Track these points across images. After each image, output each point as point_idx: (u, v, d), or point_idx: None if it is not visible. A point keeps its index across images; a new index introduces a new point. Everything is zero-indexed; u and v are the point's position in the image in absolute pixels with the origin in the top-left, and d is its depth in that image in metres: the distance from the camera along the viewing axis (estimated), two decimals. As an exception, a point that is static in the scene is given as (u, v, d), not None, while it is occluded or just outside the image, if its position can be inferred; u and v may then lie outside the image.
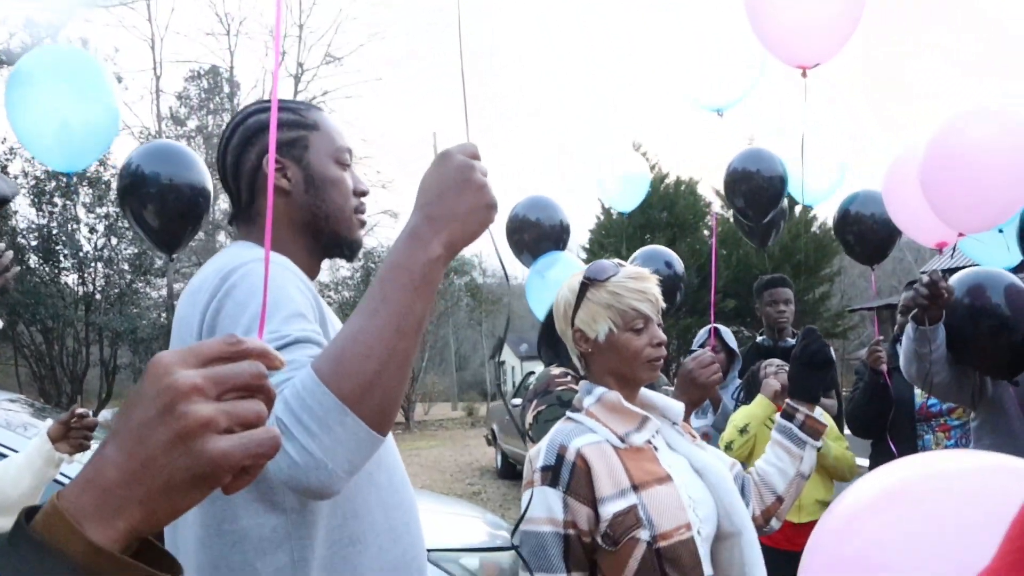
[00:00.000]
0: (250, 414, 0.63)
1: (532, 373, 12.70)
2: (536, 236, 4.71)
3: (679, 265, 4.58)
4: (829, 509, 0.86)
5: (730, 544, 1.73)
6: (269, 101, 1.57)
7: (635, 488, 1.64)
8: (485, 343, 39.50)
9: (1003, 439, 2.76)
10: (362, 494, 1.39)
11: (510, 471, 12.60)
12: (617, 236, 21.43)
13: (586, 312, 1.77)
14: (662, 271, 4.28)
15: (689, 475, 1.76)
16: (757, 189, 4.58)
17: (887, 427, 3.63)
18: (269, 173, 1.06)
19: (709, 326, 4.11)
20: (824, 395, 4.17)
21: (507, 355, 41.23)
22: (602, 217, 23.82)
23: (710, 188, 24.30)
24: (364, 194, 1.58)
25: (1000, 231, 3.05)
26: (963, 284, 2.63)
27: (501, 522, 4.32)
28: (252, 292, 1.28)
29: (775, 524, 1.93)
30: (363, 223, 1.59)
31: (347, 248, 1.55)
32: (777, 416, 2.00)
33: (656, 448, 1.77)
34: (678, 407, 1.86)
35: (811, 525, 3.67)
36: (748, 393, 3.83)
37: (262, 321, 0.87)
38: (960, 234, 2.51)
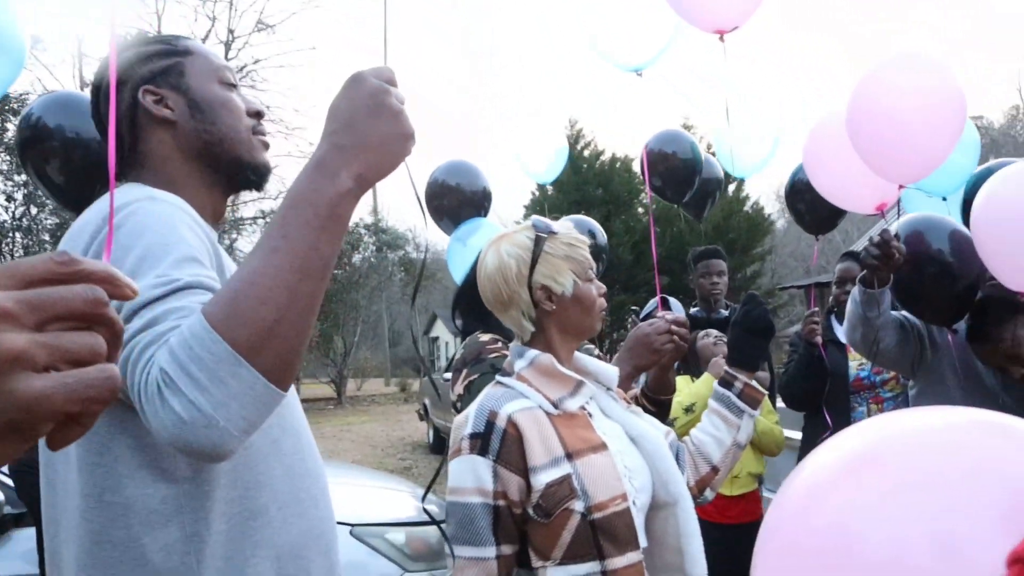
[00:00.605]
0: (81, 349, 0.50)
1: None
2: (457, 202, 4.57)
3: (602, 236, 4.52)
4: (788, 482, 0.78)
5: (665, 514, 1.67)
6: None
7: (569, 456, 1.55)
8: (419, 318, 39.31)
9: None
10: (265, 462, 1.25)
11: (441, 446, 12.53)
12: (552, 211, 21.41)
13: (548, 267, 1.65)
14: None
15: (624, 443, 1.69)
16: (673, 169, 4.57)
17: (822, 399, 3.62)
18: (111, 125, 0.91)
19: (657, 297, 4.07)
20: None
21: (440, 330, 41.04)
22: (537, 193, 23.77)
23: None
24: (259, 114, 1.44)
25: (944, 199, 3.05)
26: (906, 230, 2.59)
27: (430, 496, 4.21)
28: (138, 233, 1.13)
29: (709, 495, 1.87)
30: (266, 145, 1.43)
31: (252, 173, 1.40)
32: (714, 383, 1.93)
33: (590, 415, 1.68)
34: (612, 372, 1.78)
35: (744, 497, 3.66)
36: (683, 362, 3.81)
37: (108, 242, 0.73)
38: (900, 187, 2.45)
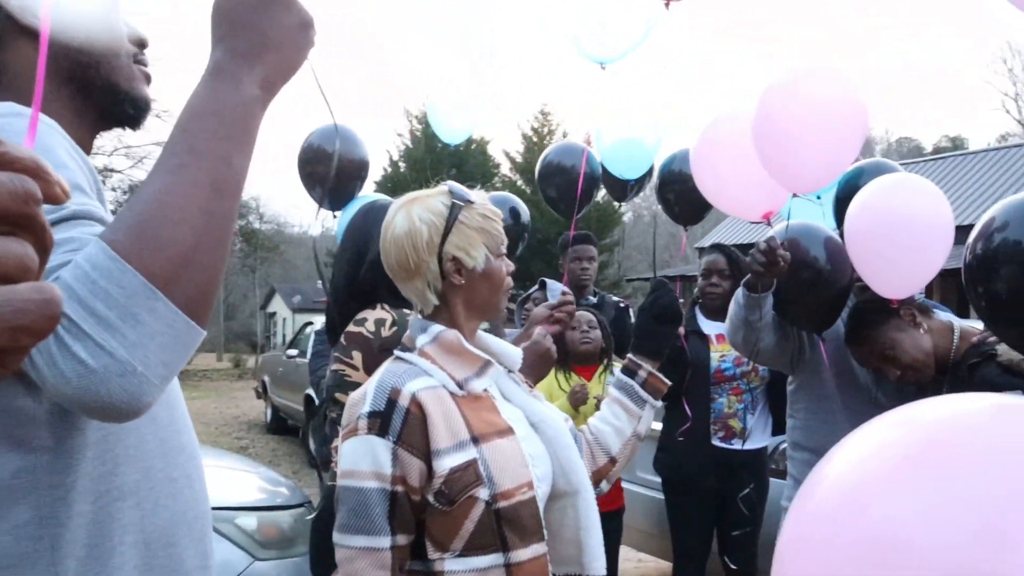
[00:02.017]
0: (6, 259, 0.38)
1: (310, 323, 12.21)
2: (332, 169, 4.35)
3: (525, 214, 4.45)
4: (814, 484, 0.74)
5: (563, 504, 1.62)
6: None
7: (475, 440, 1.48)
8: (259, 292, 37.95)
9: (818, 402, 2.85)
10: (138, 433, 1.09)
11: (280, 425, 12.14)
12: (401, 190, 21.08)
13: (461, 238, 1.56)
14: (506, 220, 4.14)
15: (526, 429, 1.62)
16: (570, 184, 4.53)
17: (682, 390, 3.72)
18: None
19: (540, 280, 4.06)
20: (622, 356, 4.23)
21: (278, 306, 39.84)
22: (389, 169, 23.45)
23: (500, 150, 24.59)
24: (143, 44, 1.26)
25: (818, 198, 3.16)
26: (783, 237, 2.63)
27: (280, 478, 4.02)
28: None
29: (605, 486, 1.83)
30: (148, 77, 1.25)
31: (130, 105, 1.21)
32: (617, 371, 1.89)
33: (494, 398, 1.61)
34: (516, 353, 1.71)
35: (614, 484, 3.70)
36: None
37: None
38: (794, 195, 2.52)
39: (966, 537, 0.59)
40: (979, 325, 2.54)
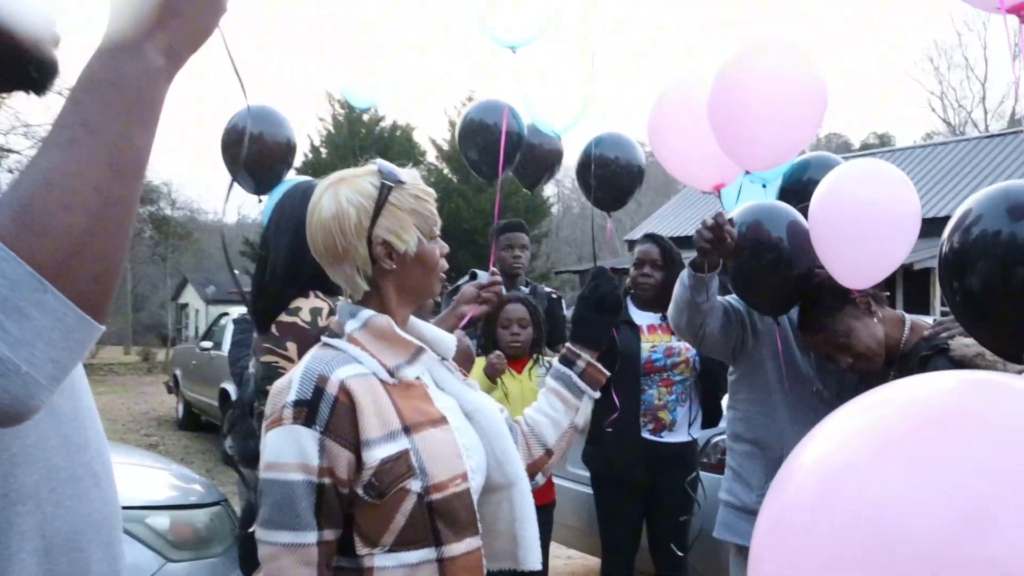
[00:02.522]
0: None
1: (225, 315, 11.92)
2: (257, 152, 4.25)
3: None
4: (793, 468, 0.75)
5: (499, 497, 1.61)
6: None
7: (407, 430, 1.46)
8: (169, 282, 36.94)
9: (759, 393, 2.90)
10: (38, 429, 1.04)
11: (193, 421, 11.86)
12: (323, 176, 20.76)
13: (392, 220, 1.52)
14: None
15: (460, 418, 1.61)
16: (492, 144, 4.42)
17: (612, 380, 3.74)
18: None
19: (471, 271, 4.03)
20: (552, 348, 4.25)
21: (191, 297, 38.87)
22: (310, 155, 23.08)
23: (426, 137, 24.45)
24: None
25: (764, 186, 3.21)
26: (746, 217, 2.67)
27: (193, 475, 3.92)
28: None
29: (541, 479, 1.83)
30: (56, 39, 1.12)
31: (35, 68, 1.09)
32: (555, 361, 1.89)
33: (427, 386, 1.59)
34: (449, 340, 1.69)
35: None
36: (485, 341, 3.87)
37: None
38: (746, 172, 2.54)
39: (953, 518, 0.60)
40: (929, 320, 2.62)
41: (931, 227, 3.08)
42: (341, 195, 1.53)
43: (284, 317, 2.09)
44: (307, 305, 2.09)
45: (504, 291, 2.20)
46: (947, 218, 1.99)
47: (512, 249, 4.39)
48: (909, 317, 2.68)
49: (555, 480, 4.19)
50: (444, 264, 1.63)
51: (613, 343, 3.74)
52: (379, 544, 1.43)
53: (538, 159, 4.62)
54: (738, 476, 2.94)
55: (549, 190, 33.50)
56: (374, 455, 1.42)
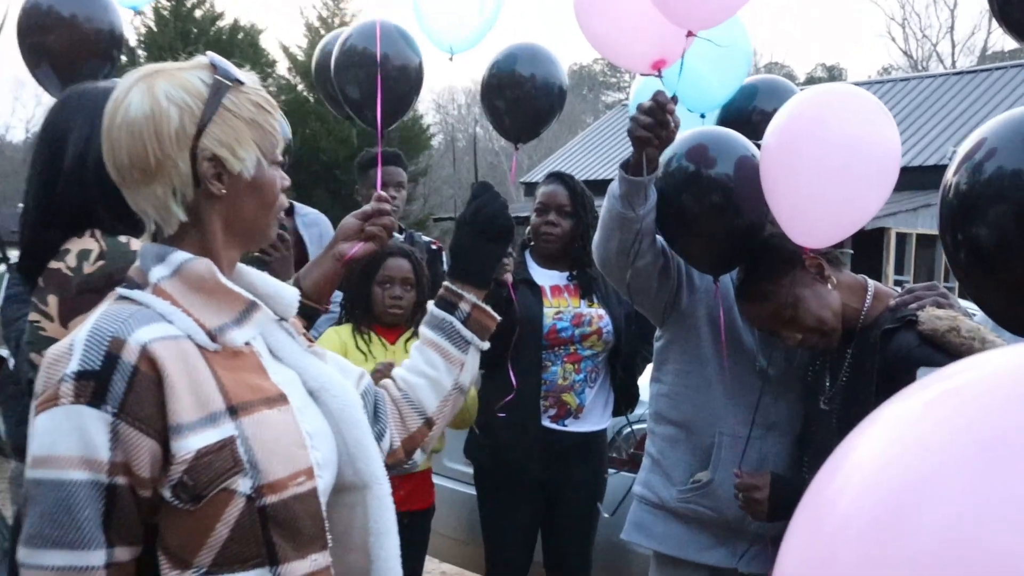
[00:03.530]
0: None
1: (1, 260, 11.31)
2: (68, 42, 3.91)
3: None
4: (841, 466, 0.70)
5: (352, 501, 1.56)
6: None
7: (232, 412, 1.37)
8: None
9: (691, 364, 2.87)
10: None
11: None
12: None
13: (226, 130, 1.43)
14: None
15: (303, 397, 1.53)
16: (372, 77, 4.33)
17: (507, 354, 3.66)
18: None
19: None
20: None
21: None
22: (125, 58, 22.22)
23: (277, 43, 23.89)
24: None
25: (702, 116, 3.19)
26: (688, 145, 2.62)
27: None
28: None
29: (419, 458, 1.81)
30: None
31: None
32: (430, 306, 1.83)
33: (260, 355, 1.50)
34: (291, 295, 1.60)
35: (412, 479, 3.63)
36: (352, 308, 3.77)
37: None
38: (689, 34, 2.46)
39: None
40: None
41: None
42: (158, 91, 1.41)
43: (52, 263, 1.97)
44: (77, 247, 1.96)
45: (394, 227, 2.10)
46: (907, 168, 1.96)
47: (386, 188, 4.27)
48: (872, 283, 2.69)
49: (438, 481, 4.11)
50: (284, 201, 1.56)
51: (510, 306, 3.67)
52: (193, 565, 1.33)
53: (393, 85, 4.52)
54: (657, 466, 2.93)
55: (430, 117, 33.27)
56: (187, 445, 1.32)
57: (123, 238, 1.98)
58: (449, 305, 1.81)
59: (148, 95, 1.41)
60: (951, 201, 1.88)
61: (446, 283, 1.84)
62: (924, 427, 0.69)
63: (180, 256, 1.44)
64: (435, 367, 1.78)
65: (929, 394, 0.73)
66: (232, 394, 1.38)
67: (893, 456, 0.68)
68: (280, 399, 1.45)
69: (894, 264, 15.76)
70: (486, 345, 1.83)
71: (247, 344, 1.47)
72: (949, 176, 1.90)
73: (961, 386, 0.72)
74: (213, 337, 1.41)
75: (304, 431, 1.46)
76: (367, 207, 2.05)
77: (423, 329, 1.82)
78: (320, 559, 1.43)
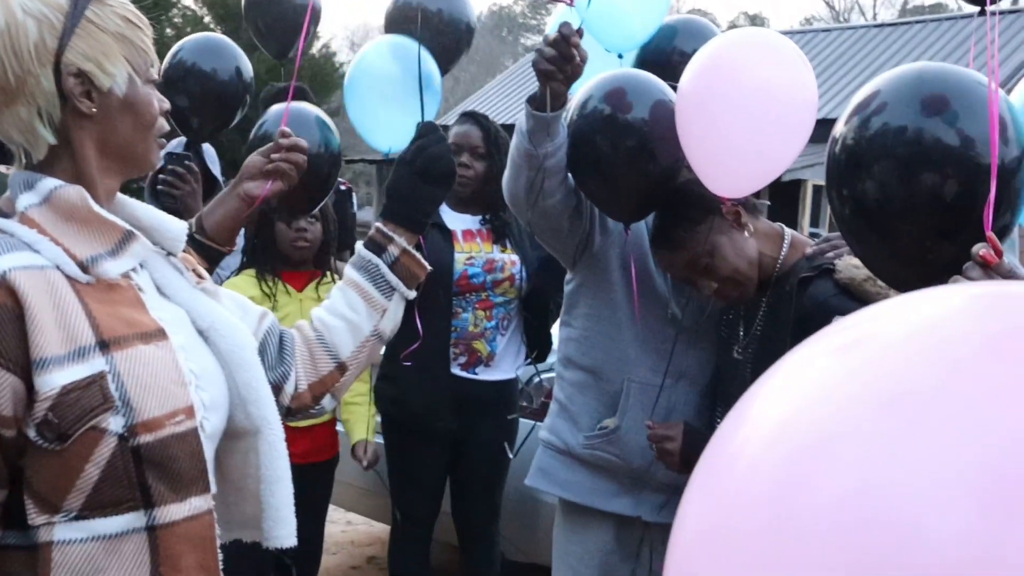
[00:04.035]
0: None
1: None
2: None
3: (244, 66, 3.98)
4: (727, 443, 0.68)
5: (243, 447, 1.53)
6: None
7: (103, 346, 1.32)
8: None
9: (602, 309, 2.85)
10: None
11: None
12: None
13: (91, 44, 1.38)
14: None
15: (190, 336, 1.49)
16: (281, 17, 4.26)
17: (415, 300, 3.63)
18: None
19: None
20: (341, 255, 4.11)
21: None
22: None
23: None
24: None
25: (620, 56, 3.15)
26: (602, 87, 2.58)
27: None
28: None
29: (328, 404, 1.76)
30: None
31: None
32: (359, 246, 1.81)
33: (141, 289, 1.45)
34: (178, 229, 1.55)
35: (313, 430, 3.61)
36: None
37: None
38: None
39: (988, 505, 0.54)
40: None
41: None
42: (13, 3, 1.35)
43: None
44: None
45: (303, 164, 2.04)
46: (825, 120, 1.97)
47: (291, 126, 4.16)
48: (789, 231, 2.70)
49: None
50: (164, 125, 1.50)
51: (419, 252, 3.64)
52: (61, 509, 1.29)
53: (285, 16, 4.43)
54: (564, 411, 2.93)
55: (344, 55, 32.69)
56: (52, 380, 1.27)
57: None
58: (377, 247, 1.78)
59: (3, 8, 1.35)
60: (838, 155, 1.89)
61: (377, 223, 1.80)
62: (826, 382, 0.67)
63: (50, 183, 1.38)
64: (355, 310, 1.75)
65: (832, 344, 0.72)
66: (104, 328, 1.33)
67: (794, 413, 0.66)
68: (158, 334, 1.40)
69: (810, 216, 16.05)
70: (412, 294, 1.81)
71: (125, 276, 1.42)
72: (838, 129, 1.90)
73: (864, 337, 0.70)
74: (85, 268, 1.36)
75: (187, 369, 1.42)
76: (272, 144, 2.00)
77: (348, 269, 1.79)
78: (200, 503, 1.40)
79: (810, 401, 0.67)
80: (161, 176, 3.25)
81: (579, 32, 2.42)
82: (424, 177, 1.82)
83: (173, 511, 1.35)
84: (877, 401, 0.63)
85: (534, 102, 2.50)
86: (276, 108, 3.28)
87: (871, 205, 1.85)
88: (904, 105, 1.80)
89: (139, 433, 1.32)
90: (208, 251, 2.09)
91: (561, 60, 2.40)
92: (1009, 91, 2.21)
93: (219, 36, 4.03)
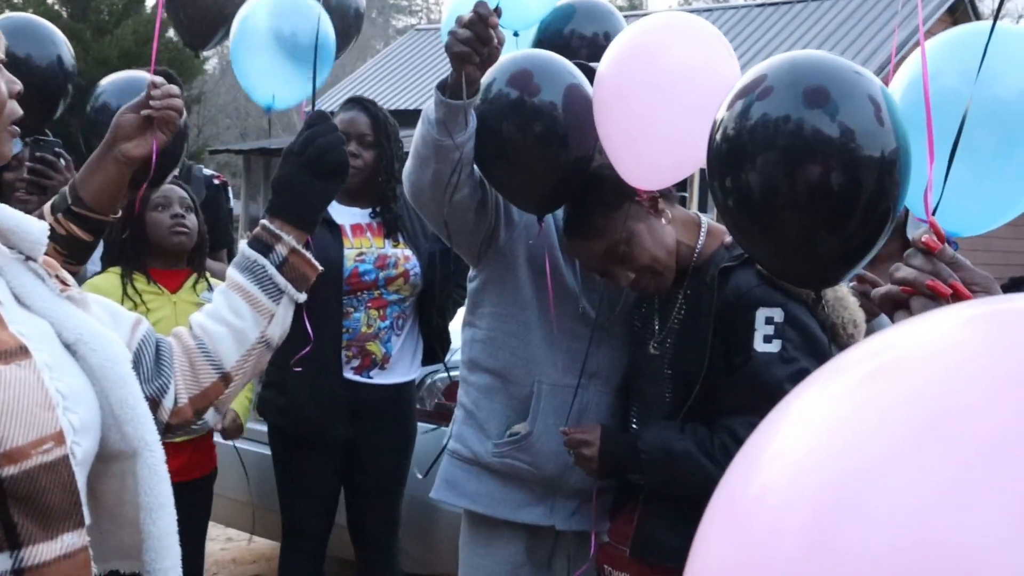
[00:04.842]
0: None
1: None
2: None
3: (65, 53, 3.78)
4: (741, 474, 0.67)
5: (119, 470, 1.45)
6: None
7: None
8: None
9: (509, 307, 2.79)
10: None
11: None
12: None
13: None
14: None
15: (55, 351, 1.39)
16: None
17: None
18: None
19: None
20: (215, 254, 4.00)
21: None
22: None
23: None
24: None
25: (515, 34, 3.11)
26: (508, 70, 2.53)
27: None
28: None
29: (211, 419, 1.69)
30: None
31: None
32: (242, 245, 1.74)
33: None
34: (38, 230, 1.44)
35: (192, 444, 3.49)
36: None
37: None
38: None
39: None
40: None
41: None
42: None
43: None
44: None
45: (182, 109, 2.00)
46: None
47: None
48: (705, 219, 2.70)
49: (218, 439, 3.96)
50: (16, 109, 1.46)
51: (307, 249, 3.55)
52: None
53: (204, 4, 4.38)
54: (471, 418, 2.86)
55: (203, 38, 32.02)
56: None
57: None
58: (263, 246, 1.71)
59: None
60: (719, 145, 1.91)
61: (263, 221, 1.74)
62: (856, 410, 0.65)
63: None
64: (240, 315, 1.69)
65: (855, 375, 0.69)
66: None
67: (824, 444, 0.64)
68: (19, 352, 1.30)
69: (698, 202, 16.32)
70: (302, 297, 1.75)
71: None
72: (719, 115, 1.92)
73: (894, 361, 0.68)
74: None
75: (53, 389, 1.32)
76: (141, 96, 1.92)
77: (231, 271, 1.72)
78: (74, 539, 1.30)
79: (840, 430, 0.65)
80: (29, 165, 3.08)
81: (497, 12, 2.36)
82: (314, 170, 1.78)
83: (44, 551, 1.26)
84: (916, 422, 0.61)
85: (445, 89, 2.43)
86: (107, 79, 3.20)
87: (754, 197, 1.88)
88: (789, 94, 1.83)
89: (2, 465, 1.22)
90: (90, 223, 2.04)
91: (476, 42, 2.34)
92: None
93: (35, 18, 3.82)
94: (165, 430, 1.63)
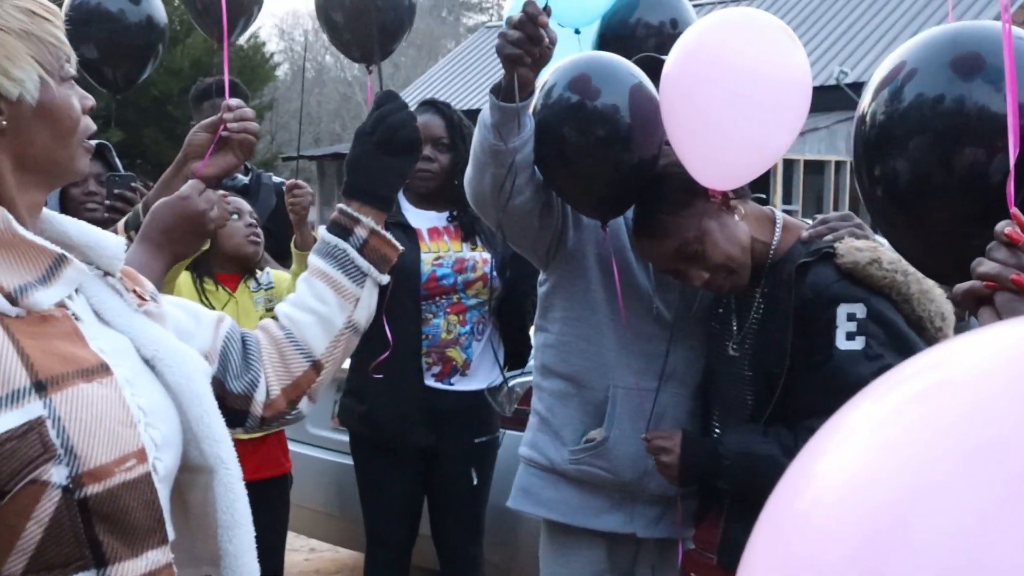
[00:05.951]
0: None
1: None
2: None
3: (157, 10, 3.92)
4: (789, 490, 0.71)
5: (203, 482, 1.47)
6: None
7: (40, 388, 1.25)
8: None
9: (580, 311, 2.79)
10: None
11: None
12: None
13: None
14: None
15: (136, 366, 1.43)
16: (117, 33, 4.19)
17: (383, 305, 3.58)
18: None
19: None
20: (281, 258, 4.06)
21: None
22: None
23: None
24: None
25: (577, 32, 3.12)
26: (570, 72, 2.53)
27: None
28: None
29: (305, 408, 1.74)
30: None
31: None
32: (322, 231, 1.78)
33: (77, 317, 1.39)
34: (115, 245, 1.49)
35: (265, 442, 3.59)
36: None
37: None
38: None
39: None
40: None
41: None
42: None
43: None
44: None
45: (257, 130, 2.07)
46: None
47: (224, 122, 4.15)
48: (780, 214, 2.69)
49: (291, 446, 4.02)
50: (90, 125, 1.45)
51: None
52: (1, 574, 1.23)
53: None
54: (546, 425, 2.87)
55: (273, 45, 32.57)
56: None
57: None
58: (343, 230, 1.74)
59: None
60: (867, 133, 1.85)
61: (340, 205, 1.77)
62: (909, 428, 0.66)
63: None
64: (325, 302, 1.72)
65: (907, 391, 0.70)
66: (39, 366, 1.27)
67: (876, 462, 0.65)
68: (101, 370, 1.34)
69: (781, 193, 16.15)
70: (386, 278, 1.77)
71: (60, 306, 1.36)
72: (864, 105, 1.87)
73: (947, 379, 0.68)
74: (13, 300, 1.29)
75: (135, 406, 1.36)
76: (214, 117, 1.98)
77: (312, 258, 1.76)
78: (158, 556, 1.34)
79: (892, 449, 0.66)
80: (108, 203, 3.21)
81: (546, 10, 2.37)
82: (386, 149, 1.80)
83: (128, 568, 1.30)
84: (973, 442, 0.62)
85: (499, 92, 2.45)
86: None
87: (905, 186, 1.80)
88: (936, 74, 1.74)
89: (85, 484, 1.25)
90: None
91: (528, 43, 2.35)
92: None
93: None
94: (260, 423, 1.69)
